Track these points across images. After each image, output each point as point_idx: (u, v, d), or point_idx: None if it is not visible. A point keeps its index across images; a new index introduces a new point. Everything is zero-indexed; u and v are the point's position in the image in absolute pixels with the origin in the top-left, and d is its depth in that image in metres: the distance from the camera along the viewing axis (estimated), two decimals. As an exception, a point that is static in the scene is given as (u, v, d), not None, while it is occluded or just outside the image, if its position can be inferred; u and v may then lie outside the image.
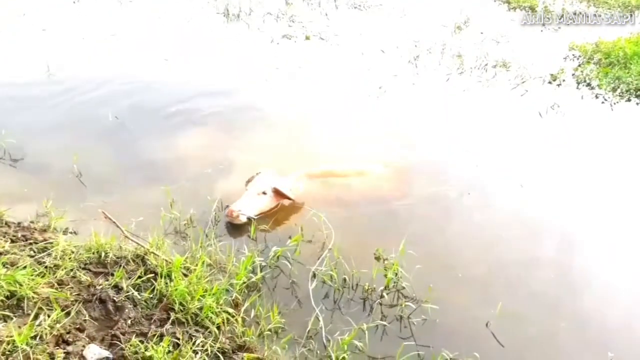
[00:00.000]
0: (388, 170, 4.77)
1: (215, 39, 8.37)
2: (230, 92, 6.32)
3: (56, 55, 7.06)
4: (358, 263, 3.59)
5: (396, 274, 3.49)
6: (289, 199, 4.20)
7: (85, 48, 7.71)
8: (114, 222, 3.40)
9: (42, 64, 6.63)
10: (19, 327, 2.64)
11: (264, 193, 4.14)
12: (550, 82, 7.04)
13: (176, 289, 3.01)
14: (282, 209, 4.25)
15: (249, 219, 3.97)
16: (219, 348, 2.78)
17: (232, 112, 5.83)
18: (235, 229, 3.96)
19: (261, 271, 3.46)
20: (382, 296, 3.41)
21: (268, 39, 8.43)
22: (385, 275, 3.49)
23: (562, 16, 9.81)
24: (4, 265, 2.91)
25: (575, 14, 10.12)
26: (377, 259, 3.72)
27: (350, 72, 7.26)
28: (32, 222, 3.59)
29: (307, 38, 8.52)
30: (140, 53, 7.55)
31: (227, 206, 4.02)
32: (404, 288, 3.48)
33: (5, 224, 3.45)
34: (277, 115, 5.81)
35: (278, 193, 4.18)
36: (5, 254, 3.03)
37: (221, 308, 3.03)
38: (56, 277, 3.00)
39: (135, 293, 3.01)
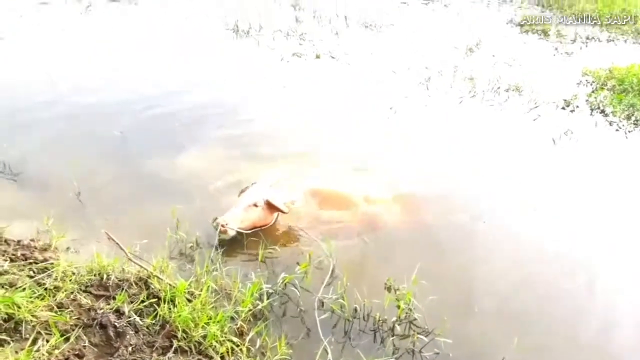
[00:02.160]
0: (395, 197, 4.60)
1: (224, 56, 8.36)
2: (238, 110, 6.26)
3: (60, 68, 7.05)
4: (369, 292, 3.45)
5: (409, 306, 3.35)
6: (283, 212, 4.02)
7: (91, 61, 7.70)
8: (117, 244, 3.28)
9: (45, 76, 6.60)
10: (16, 352, 2.52)
11: (256, 205, 3.94)
12: (563, 108, 6.95)
13: (179, 315, 2.88)
14: (289, 233, 4.13)
15: (238, 233, 3.81)
16: (223, 380, 2.65)
17: (240, 130, 5.75)
18: (226, 242, 3.82)
19: (268, 298, 3.33)
20: (393, 328, 3.26)
21: (278, 56, 8.41)
22: (398, 306, 3.35)
23: (575, 40, 9.78)
24: (2, 287, 2.79)
25: (588, 38, 10.12)
26: (388, 289, 3.58)
27: (360, 92, 7.20)
28: (32, 240, 3.47)
29: (318, 56, 8.49)
30: (147, 67, 7.53)
31: (216, 218, 3.85)
32: (415, 319, 3.33)
33: (5, 241, 3.34)
34: (285, 134, 5.73)
35: (271, 206, 3.99)
36: (4, 274, 2.91)
37: (226, 337, 2.90)
38: (56, 299, 2.87)
39: (137, 318, 2.88)
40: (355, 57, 8.57)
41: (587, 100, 7.20)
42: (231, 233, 3.79)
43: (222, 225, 3.73)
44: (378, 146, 5.70)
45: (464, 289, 3.74)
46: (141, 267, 3.23)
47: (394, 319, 3.30)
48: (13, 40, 8.42)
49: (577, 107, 6.99)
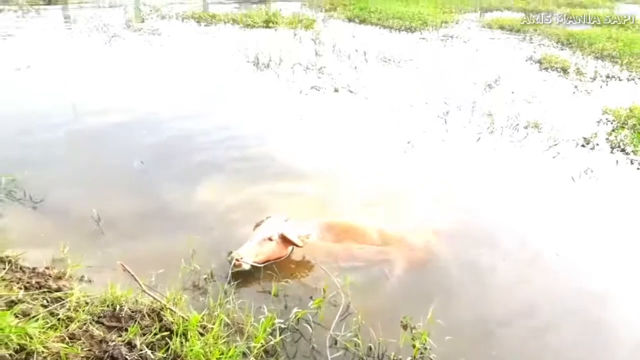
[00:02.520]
0: (412, 232, 4.55)
1: (244, 88, 8.52)
2: (256, 142, 6.33)
3: (83, 96, 7.24)
4: (384, 330, 3.37)
5: (424, 346, 3.26)
6: (298, 246, 4.02)
7: (113, 89, 7.92)
8: (132, 275, 3.27)
9: (68, 104, 6.78)
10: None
11: (270, 239, 3.95)
12: (583, 146, 6.86)
13: (191, 350, 2.84)
14: (304, 267, 4.09)
15: (252, 266, 3.80)
16: (232, 421, 2.58)
17: (257, 161, 5.79)
18: (240, 275, 3.78)
19: (281, 334, 3.27)
20: (408, 370, 3.17)
21: (297, 89, 8.52)
22: (413, 346, 3.26)
23: (595, 78, 9.75)
24: (16, 316, 2.79)
25: (608, 76, 10.07)
26: (405, 327, 3.49)
27: (378, 125, 7.23)
28: (47, 268, 3.49)
29: (336, 90, 8.59)
30: (167, 97, 7.70)
31: (230, 252, 3.85)
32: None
33: (20, 269, 3.36)
34: (302, 166, 5.74)
35: (285, 240, 4.00)
36: (19, 304, 2.92)
37: (237, 373, 2.85)
38: (68, 330, 2.86)
39: (149, 352, 2.84)
40: (374, 91, 8.65)
41: (607, 139, 7.11)
42: (245, 267, 3.78)
43: (237, 259, 3.73)
44: (395, 180, 5.68)
45: (482, 329, 3.63)
46: (154, 298, 3.21)
47: (409, 359, 3.21)
48: (40, 68, 8.71)
49: (597, 145, 6.90)
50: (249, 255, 3.82)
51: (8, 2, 14.83)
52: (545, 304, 3.91)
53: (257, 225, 4.14)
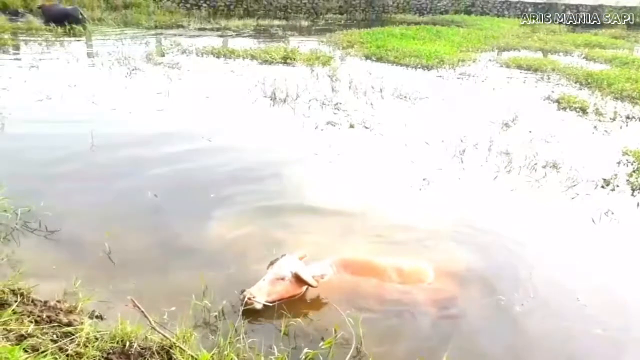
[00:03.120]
0: (429, 272, 4.45)
1: (260, 123, 8.60)
2: (272, 176, 6.33)
3: (101, 128, 7.37)
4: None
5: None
6: (312, 286, 3.96)
7: (131, 123, 8.06)
8: (142, 311, 3.23)
9: (86, 135, 6.89)
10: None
11: (283, 279, 3.91)
12: (603, 187, 6.74)
13: (199, 391, 2.77)
14: (316, 305, 4.01)
15: (264, 305, 3.74)
16: None
17: (273, 197, 5.79)
18: (251, 312, 3.72)
19: (291, 376, 3.19)
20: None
21: (313, 124, 8.57)
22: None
23: (614, 119, 9.66)
24: (25, 350, 2.76)
25: (628, 117, 9.98)
26: (419, 371, 3.38)
27: (393, 162, 7.20)
28: (58, 301, 3.48)
29: (352, 126, 8.63)
30: (184, 131, 7.79)
31: (243, 290, 3.79)
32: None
33: (32, 302, 3.35)
34: (316, 203, 5.70)
35: (299, 279, 3.94)
36: (29, 338, 2.89)
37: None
38: (76, 366, 2.82)
39: (156, 392, 2.79)
40: (389, 127, 8.67)
41: (627, 180, 6.98)
42: (257, 306, 3.73)
43: (249, 298, 3.69)
44: (411, 217, 5.61)
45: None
46: (164, 336, 3.16)
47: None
48: (60, 99, 8.92)
49: (617, 186, 6.77)
50: (261, 294, 3.78)
51: (34, 35, 15.35)
52: (568, 354, 3.77)
53: (272, 263, 4.09)
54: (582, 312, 4.23)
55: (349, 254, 4.52)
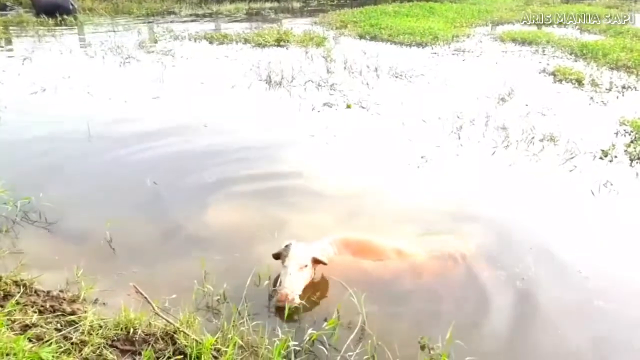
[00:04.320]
0: (429, 253, 4.44)
1: (256, 106, 8.56)
2: (268, 160, 6.34)
3: (98, 118, 7.36)
4: (401, 351, 3.30)
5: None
6: (324, 264, 3.96)
7: (126, 111, 8.03)
8: (145, 297, 3.26)
9: (83, 126, 6.88)
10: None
11: (306, 266, 3.87)
12: (601, 158, 6.73)
13: (205, 374, 2.80)
14: (315, 285, 4.02)
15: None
16: None
17: (269, 179, 5.78)
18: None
19: (295, 356, 3.21)
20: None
21: (309, 106, 8.54)
22: (432, 368, 3.18)
23: (611, 89, 9.61)
24: (30, 340, 2.78)
25: (624, 87, 9.93)
26: (422, 347, 3.41)
27: (390, 140, 7.19)
28: (61, 291, 3.50)
29: (348, 106, 8.59)
30: (181, 118, 7.76)
31: (275, 290, 3.74)
32: (451, 383, 3.15)
33: (35, 292, 3.38)
34: (315, 184, 5.70)
35: (316, 261, 3.94)
36: (33, 328, 2.91)
37: (252, 398, 2.79)
38: (82, 354, 2.84)
39: (162, 377, 2.82)
40: (386, 107, 8.63)
41: (625, 151, 6.97)
42: (297, 301, 3.66)
43: (288, 297, 3.62)
44: (409, 196, 5.61)
45: (505, 351, 3.53)
46: (168, 321, 3.19)
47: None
48: (54, 90, 8.87)
49: (616, 157, 6.77)
50: (297, 289, 3.72)
51: (25, 28, 15.18)
52: (570, 328, 3.79)
53: (279, 255, 3.98)
54: (584, 284, 4.23)
55: (347, 234, 4.52)
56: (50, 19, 16.00)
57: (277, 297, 3.68)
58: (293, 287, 3.70)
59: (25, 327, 2.97)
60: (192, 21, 17.80)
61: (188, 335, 3.10)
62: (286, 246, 3.97)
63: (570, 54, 13.29)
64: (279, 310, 3.63)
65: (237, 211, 5.03)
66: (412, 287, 4.08)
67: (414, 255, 4.36)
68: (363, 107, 8.59)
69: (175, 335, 3.12)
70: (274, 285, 3.89)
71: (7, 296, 3.32)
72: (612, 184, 5.98)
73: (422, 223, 5.04)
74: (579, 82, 10.35)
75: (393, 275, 4.17)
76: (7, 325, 2.90)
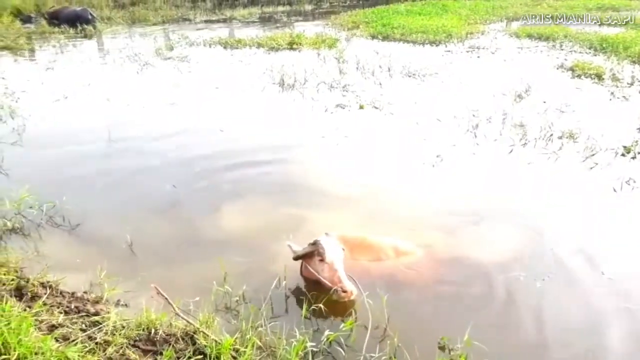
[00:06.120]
0: (424, 251, 4.40)
1: (270, 109, 8.62)
2: (284, 162, 6.38)
3: (117, 123, 7.50)
4: (420, 353, 3.29)
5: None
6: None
7: (145, 117, 8.16)
8: (166, 298, 3.31)
9: (103, 131, 7.02)
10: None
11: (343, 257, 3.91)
12: (623, 155, 6.59)
13: (225, 374, 2.84)
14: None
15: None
16: None
17: (285, 181, 5.83)
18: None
19: (313, 357, 3.23)
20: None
21: (322, 107, 8.56)
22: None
23: (632, 84, 9.43)
24: (56, 340, 2.86)
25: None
26: (442, 348, 3.40)
27: (405, 140, 7.16)
28: (85, 292, 3.59)
29: (361, 107, 8.59)
30: (197, 122, 7.86)
31: (335, 289, 3.71)
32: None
33: (60, 293, 3.47)
34: (328, 184, 5.70)
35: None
36: (59, 328, 2.99)
37: (271, 398, 2.82)
38: (106, 354, 2.91)
39: (184, 376, 2.86)
40: (399, 106, 8.61)
41: (649, 146, 6.84)
42: (355, 293, 3.73)
43: (350, 291, 3.68)
44: (424, 195, 5.59)
45: (522, 354, 3.49)
46: (188, 322, 3.24)
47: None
48: (76, 99, 9.05)
49: (639, 153, 6.64)
50: (349, 282, 3.77)
51: (47, 38, 15.50)
52: (590, 327, 3.73)
53: (299, 257, 3.98)
54: (608, 286, 4.13)
55: (344, 232, 4.43)
56: (70, 29, 16.34)
57: (339, 295, 3.69)
58: (347, 282, 3.74)
59: (52, 327, 3.05)
60: (206, 27, 17.97)
61: (208, 335, 3.15)
62: (314, 243, 3.91)
63: (589, 48, 13.08)
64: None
65: (253, 213, 5.07)
66: (425, 286, 4.06)
67: (411, 253, 4.34)
68: (376, 107, 8.57)
69: (195, 336, 3.17)
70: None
71: (34, 297, 3.42)
72: (635, 181, 5.87)
73: (436, 222, 5.01)
74: (599, 77, 10.18)
75: (400, 274, 4.14)
76: (35, 325, 2.98)
